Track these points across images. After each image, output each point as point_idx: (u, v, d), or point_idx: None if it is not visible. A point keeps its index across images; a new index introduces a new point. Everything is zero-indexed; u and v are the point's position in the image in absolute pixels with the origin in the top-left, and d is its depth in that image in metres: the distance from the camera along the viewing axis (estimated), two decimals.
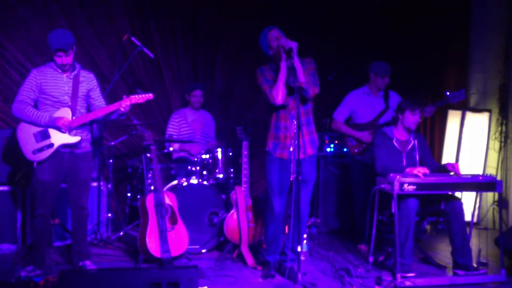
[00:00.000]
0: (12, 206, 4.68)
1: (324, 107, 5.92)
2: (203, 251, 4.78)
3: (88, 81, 4.20)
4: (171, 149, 5.42)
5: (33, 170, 4.01)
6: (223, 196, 4.89)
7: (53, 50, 3.94)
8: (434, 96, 6.31)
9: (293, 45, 3.78)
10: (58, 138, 3.99)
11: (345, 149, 5.57)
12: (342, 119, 5.25)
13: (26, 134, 3.98)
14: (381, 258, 4.47)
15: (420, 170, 4.11)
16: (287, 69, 3.87)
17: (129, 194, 5.38)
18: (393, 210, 4.02)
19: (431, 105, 5.01)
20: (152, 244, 4.29)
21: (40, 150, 3.97)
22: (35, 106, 4.04)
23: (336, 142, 5.74)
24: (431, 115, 5.09)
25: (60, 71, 4.05)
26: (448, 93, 5.02)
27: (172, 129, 5.54)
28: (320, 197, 5.71)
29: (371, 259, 4.22)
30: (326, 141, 5.71)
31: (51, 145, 3.98)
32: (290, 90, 3.93)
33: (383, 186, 4.12)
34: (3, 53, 5.26)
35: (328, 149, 5.72)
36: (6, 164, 4.73)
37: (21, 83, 4.07)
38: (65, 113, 4.02)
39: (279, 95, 3.92)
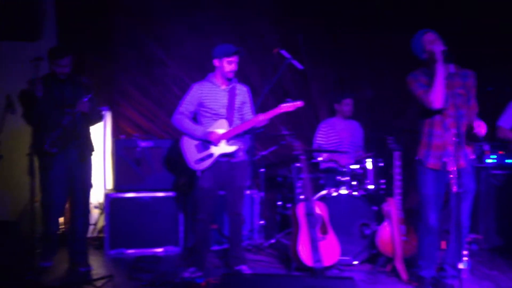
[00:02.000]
0: (175, 211, 5.02)
1: (483, 117, 5.57)
2: (355, 262, 4.73)
3: (243, 94, 4.40)
4: (320, 159, 5.46)
5: (196, 178, 4.26)
6: (374, 208, 4.81)
7: (229, 55, 4.19)
8: None
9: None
10: (218, 148, 4.22)
11: (508, 160, 5.18)
12: (509, 125, 4.93)
13: (189, 145, 4.26)
14: None
15: None
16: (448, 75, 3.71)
17: (279, 203, 5.51)
18: None
19: None
20: (304, 253, 4.35)
21: (202, 159, 4.22)
22: (194, 118, 4.31)
23: (499, 152, 5.35)
24: None
25: (218, 84, 4.28)
26: None
27: (320, 139, 5.58)
28: (481, 212, 5.33)
29: None
30: (487, 152, 5.35)
31: (211, 155, 4.22)
32: (447, 95, 3.77)
33: None
34: (166, 70, 5.72)
35: (488, 160, 5.36)
36: (169, 172, 5.11)
37: (182, 97, 4.37)
38: (222, 125, 4.24)
39: (438, 98, 3.74)
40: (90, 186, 4.46)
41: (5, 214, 4.89)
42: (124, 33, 5.62)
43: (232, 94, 4.32)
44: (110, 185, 5.23)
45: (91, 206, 5.16)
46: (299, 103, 4.23)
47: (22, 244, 3.65)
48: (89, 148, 4.38)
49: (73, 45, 5.36)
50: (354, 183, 5.00)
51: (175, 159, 5.04)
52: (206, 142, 4.20)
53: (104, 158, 5.33)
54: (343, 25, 6.08)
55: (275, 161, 5.99)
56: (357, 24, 6.07)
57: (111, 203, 4.87)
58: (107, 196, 4.90)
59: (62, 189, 4.35)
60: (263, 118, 4.17)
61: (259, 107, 5.16)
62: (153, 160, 5.06)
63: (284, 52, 5.22)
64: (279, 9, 5.98)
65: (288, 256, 4.56)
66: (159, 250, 4.97)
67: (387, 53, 6.06)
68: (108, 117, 5.45)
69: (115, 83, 5.63)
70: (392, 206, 4.53)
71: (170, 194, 5.03)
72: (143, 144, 5.04)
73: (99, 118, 4.51)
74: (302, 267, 4.39)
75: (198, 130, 4.20)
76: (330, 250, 4.42)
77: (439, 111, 3.84)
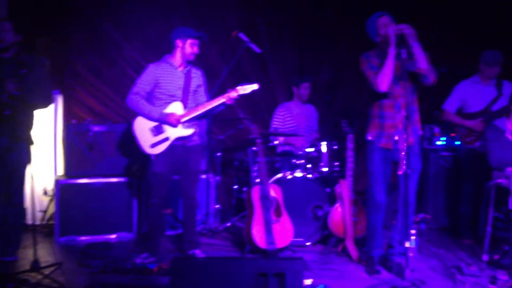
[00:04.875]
0: (129, 197, 4.96)
1: (435, 100, 5.67)
2: (308, 244, 4.79)
3: (198, 77, 4.37)
4: (276, 142, 5.48)
5: (149, 162, 4.22)
6: (328, 190, 4.86)
7: (193, 37, 4.16)
8: None
9: (409, 30, 3.65)
10: (173, 131, 4.17)
11: (456, 142, 5.31)
12: (453, 109, 5.09)
13: (143, 129, 4.19)
14: (496, 257, 4.19)
15: None
16: (398, 56, 3.73)
17: (235, 186, 5.52)
18: (510, 207, 3.77)
19: None
20: (258, 236, 4.37)
21: (157, 143, 4.17)
22: (148, 100, 4.24)
23: (448, 135, 5.45)
24: None
25: (175, 65, 4.23)
26: None
27: (277, 123, 5.60)
28: (430, 192, 5.48)
29: (485, 257, 3.99)
30: (437, 134, 5.46)
31: (167, 138, 4.18)
32: (398, 77, 3.82)
33: (500, 181, 3.88)
34: (121, 52, 5.61)
35: (438, 142, 5.47)
36: (123, 157, 5.03)
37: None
38: (177, 107, 4.19)
39: (384, 81, 3.80)
40: (23, 176, 4.17)
41: None
42: (78, 14, 5.46)
43: (188, 77, 4.28)
44: (61, 171, 5.12)
45: (40, 192, 5.11)
46: (255, 86, 4.22)
47: None
48: (22, 137, 4.05)
49: (24, 25, 5.25)
50: (309, 166, 5.04)
51: (129, 144, 4.93)
52: (164, 123, 4.15)
53: (54, 144, 5.22)
54: (302, 8, 6.06)
55: (232, 145, 5.99)
56: (316, 7, 6.07)
57: (61, 189, 4.76)
58: (57, 182, 4.79)
59: None
60: (219, 101, 4.16)
61: (218, 90, 5.13)
62: (106, 145, 4.98)
63: (242, 35, 5.18)
64: None
65: (242, 239, 4.58)
66: (112, 236, 4.90)
67: (346, 37, 6.07)
68: (59, 101, 5.32)
69: (68, 66, 5.49)
70: (344, 188, 4.58)
71: (123, 179, 4.96)
72: (96, 128, 4.95)
73: (43, 102, 4.17)
74: (255, 249, 4.41)
75: (155, 111, 4.13)
76: (284, 232, 4.46)
77: (386, 94, 3.89)
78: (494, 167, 4.11)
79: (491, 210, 3.95)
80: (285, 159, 5.20)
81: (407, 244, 3.66)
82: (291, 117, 5.59)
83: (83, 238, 4.81)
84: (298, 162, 5.01)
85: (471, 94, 5.01)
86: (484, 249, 4.00)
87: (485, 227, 3.99)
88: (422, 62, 3.70)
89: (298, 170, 4.94)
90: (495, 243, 4.39)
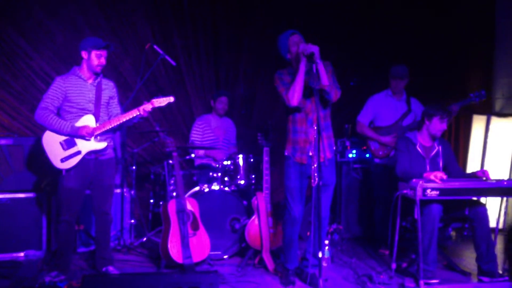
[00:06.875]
0: (38, 213, 4.74)
1: (346, 113, 5.92)
2: (225, 257, 4.79)
3: (110, 89, 4.27)
4: (192, 155, 5.46)
5: (60, 177, 4.06)
6: (245, 202, 4.90)
7: (98, 48, 4.03)
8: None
9: (315, 49, 3.76)
10: (85, 145, 4.05)
11: (367, 155, 5.55)
12: (367, 121, 5.31)
13: (53, 143, 4.03)
14: (404, 265, 4.41)
15: (437, 175, 4.02)
16: (308, 72, 3.86)
17: (151, 201, 5.42)
18: (416, 216, 3.98)
19: (455, 104, 5.03)
20: (174, 250, 4.31)
21: (68, 157, 4.02)
22: (58, 114, 4.09)
23: (359, 148, 5.67)
24: (455, 114, 5.10)
25: (84, 78, 4.11)
26: (471, 94, 5.09)
27: (196, 135, 5.58)
28: (343, 203, 5.68)
29: (394, 265, 4.18)
30: (348, 147, 5.68)
31: (79, 152, 4.04)
32: (308, 93, 3.94)
33: (405, 191, 4.07)
34: (29, 63, 5.37)
35: (350, 155, 5.69)
36: (31, 172, 4.80)
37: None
38: (89, 120, 4.08)
39: (294, 96, 3.89)
40: None
41: None
42: None
43: (99, 89, 4.16)
44: None
45: None
46: (170, 98, 4.20)
47: None
48: None
49: None
50: (226, 178, 5.06)
51: (38, 158, 4.74)
52: (76, 137, 4.01)
53: None
54: (220, 21, 6.12)
55: (147, 159, 5.89)
56: (231, 21, 6.14)
57: None
58: None
59: None
60: (133, 114, 4.08)
61: (132, 102, 5.05)
62: (13, 159, 4.74)
63: (157, 48, 5.14)
64: (154, 3, 5.87)
65: (159, 254, 4.50)
66: (20, 254, 4.65)
67: (263, 51, 6.18)
68: None
69: None
70: (261, 200, 4.64)
71: (32, 195, 4.73)
72: (2, 141, 4.70)
73: None
74: (172, 264, 4.35)
75: (66, 125, 3.99)
76: (200, 246, 4.44)
77: (298, 109, 4.00)
78: (399, 177, 4.31)
79: (398, 219, 4.14)
80: (203, 172, 5.19)
81: (320, 254, 3.75)
82: (210, 130, 5.60)
83: None
84: (215, 175, 5.01)
85: (383, 108, 5.24)
86: (393, 257, 4.18)
87: (393, 236, 4.17)
88: (324, 79, 3.84)
89: (215, 183, 4.95)
90: (403, 251, 4.62)
